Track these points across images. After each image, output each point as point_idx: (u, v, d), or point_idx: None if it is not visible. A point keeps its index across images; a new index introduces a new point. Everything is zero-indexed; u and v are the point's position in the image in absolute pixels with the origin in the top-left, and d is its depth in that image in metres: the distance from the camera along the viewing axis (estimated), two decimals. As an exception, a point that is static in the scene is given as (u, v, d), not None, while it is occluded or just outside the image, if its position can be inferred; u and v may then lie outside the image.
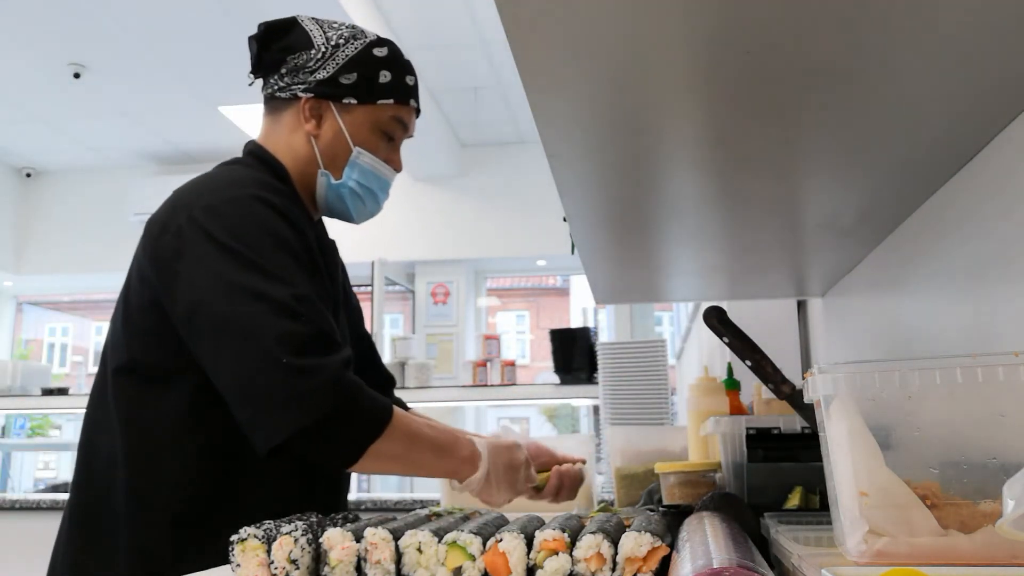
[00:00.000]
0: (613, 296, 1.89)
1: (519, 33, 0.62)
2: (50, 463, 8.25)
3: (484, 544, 0.76)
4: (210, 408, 1.09)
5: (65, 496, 1.19)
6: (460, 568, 0.75)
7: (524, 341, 11.30)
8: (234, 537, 0.80)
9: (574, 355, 3.81)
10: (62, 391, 4.31)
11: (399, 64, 1.28)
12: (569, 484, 1.35)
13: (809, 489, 1.05)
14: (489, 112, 5.66)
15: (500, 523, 0.86)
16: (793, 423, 1.09)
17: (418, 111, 1.35)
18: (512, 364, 4.61)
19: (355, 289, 1.48)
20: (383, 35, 1.32)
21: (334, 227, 1.40)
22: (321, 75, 1.23)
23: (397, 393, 1.52)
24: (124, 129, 5.89)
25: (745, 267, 1.49)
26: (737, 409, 1.51)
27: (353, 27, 1.28)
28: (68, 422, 7.70)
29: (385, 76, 1.26)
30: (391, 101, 1.27)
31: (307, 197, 1.27)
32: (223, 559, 0.84)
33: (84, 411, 1.19)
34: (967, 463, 0.58)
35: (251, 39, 1.26)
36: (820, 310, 1.80)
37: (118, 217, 6.33)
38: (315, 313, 1.05)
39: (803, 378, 0.65)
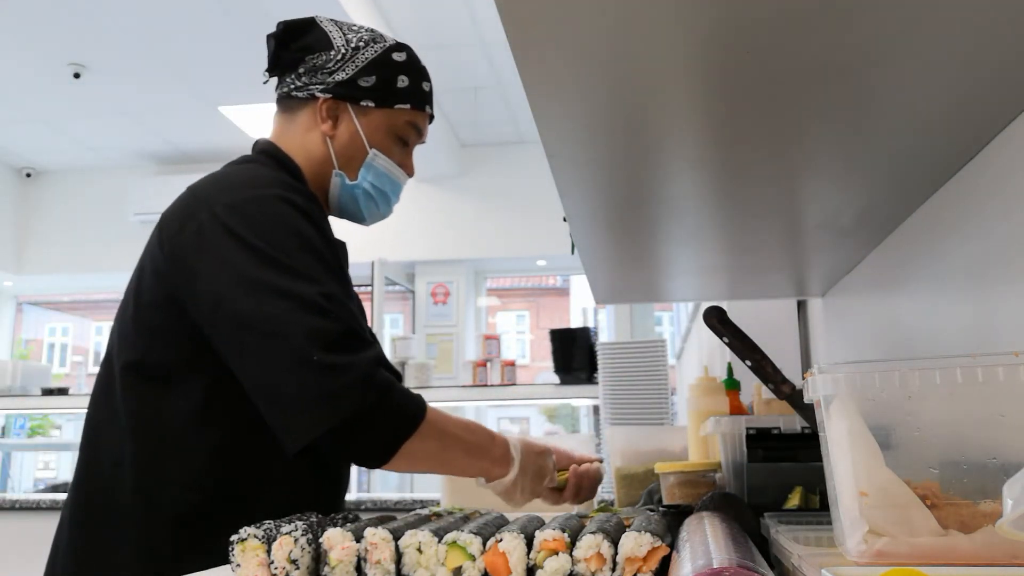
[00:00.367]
0: (613, 296, 1.90)
1: (519, 33, 0.62)
2: (50, 463, 8.25)
3: (484, 544, 0.76)
4: (221, 408, 1.09)
5: (65, 496, 1.18)
6: (460, 568, 0.75)
7: (524, 341, 11.31)
8: (234, 537, 0.80)
9: (574, 355, 3.81)
10: (62, 391, 4.31)
11: (416, 70, 1.29)
12: (588, 484, 1.34)
13: (809, 489, 1.05)
14: (489, 112, 5.66)
15: (500, 523, 0.86)
16: (793, 423, 1.09)
17: (432, 117, 1.35)
18: (512, 364, 4.61)
19: (355, 289, 1.48)
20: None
21: (334, 227, 1.40)
22: (340, 76, 1.23)
23: None
24: (124, 129, 5.89)
25: (745, 267, 1.49)
26: (737, 409, 1.51)
27: (372, 31, 1.28)
28: (68, 422, 7.70)
29: (403, 81, 1.26)
30: (408, 106, 1.27)
31: (321, 197, 1.28)
32: (227, 560, 0.84)
33: (85, 411, 1.19)
34: (967, 463, 0.58)
35: (269, 37, 1.26)
36: (820, 310, 1.80)
37: (118, 217, 6.33)
38: (344, 311, 1.04)
39: (803, 378, 0.65)
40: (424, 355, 5.95)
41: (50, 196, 6.70)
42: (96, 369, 1.22)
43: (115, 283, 6.26)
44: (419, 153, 1.36)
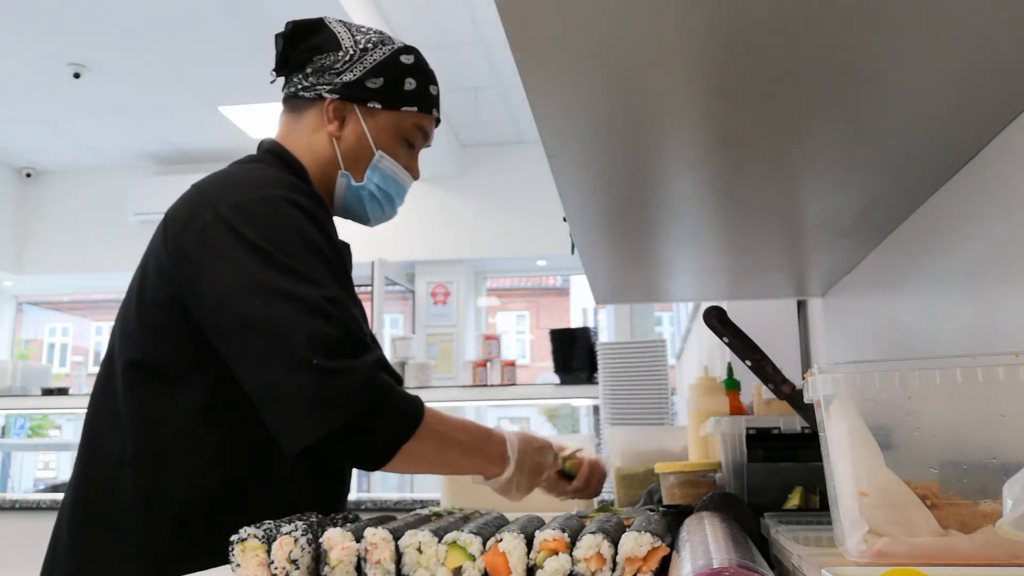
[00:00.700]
0: (613, 296, 1.90)
1: (519, 33, 0.62)
2: (50, 463, 8.24)
3: (484, 544, 0.76)
4: (224, 408, 1.09)
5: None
6: (460, 568, 0.75)
7: (524, 341, 11.30)
8: (234, 537, 0.80)
9: (574, 355, 3.81)
10: (62, 391, 4.31)
11: (424, 73, 1.29)
12: (599, 475, 1.35)
13: (809, 489, 1.05)
14: (489, 112, 5.66)
15: (500, 523, 0.86)
16: (793, 423, 1.09)
17: (439, 120, 1.35)
18: (512, 364, 4.61)
19: (356, 289, 1.48)
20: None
21: (338, 227, 1.40)
22: (347, 77, 1.23)
23: None
24: (124, 129, 5.89)
25: (745, 267, 1.49)
26: (737, 409, 1.51)
27: (381, 32, 1.29)
28: (68, 422, 7.69)
29: (410, 84, 1.26)
30: (415, 109, 1.27)
31: (324, 197, 1.27)
32: (227, 560, 0.84)
33: (85, 411, 1.19)
34: (967, 463, 0.58)
35: (278, 36, 1.26)
36: (820, 310, 1.80)
37: (118, 217, 6.33)
38: (345, 315, 1.04)
39: (803, 378, 0.65)
40: (424, 355, 5.95)
41: (50, 196, 6.70)
42: (96, 369, 1.21)
43: (115, 283, 6.27)
44: (420, 153, 1.36)
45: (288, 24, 1.25)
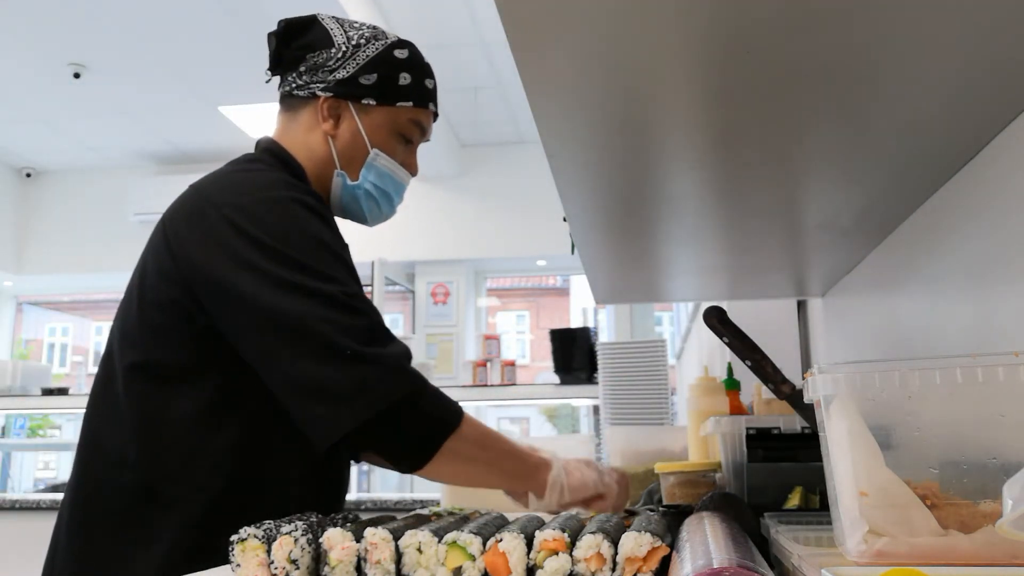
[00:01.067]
0: (613, 296, 1.90)
1: (519, 33, 0.62)
2: (50, 463, 8.25)
3: (484, 544, 0.75)
4: (228, 409, 1.08)
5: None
6: (460, 568, 0.75)
7: (524, 341, 11.30)
8: (234, 537, 0.80)
9: (574, 355, 3.82)
10: (62, 391, 4.31)
11: (419, 67, 1.28)
12: (624, 489, 1.29)
13: (809, 489, 1.05)
14: (489, 112, 5.66)
15: (500, 523, 0.86)
16: (793, 423, 1.09)
17: (436, 115, 1.34)
18: (512, 364, 4.61)
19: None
20: (385, 35, 1.31)
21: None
22: (341, 74, 1.22)
23: None
24: (124, 129, 5.89)
25: (745, 267, 1.49)
26: (737, 409, 1.51)
27: (374, 28, 1.27)
28: (68, 422, 7.69)
29: (405, 78, 1.25)
30: (410, 104, 1.26)
31: (322, 197, 1.27)
32: (227, 560, 0.84)
33: (85, 410, 1.18)
34: (967, 463, 0.58)
35: (270, 36, 1.26)
36: (820, 310, 1.80)
37: (118, 217, 6.33)
38: (368, 307, 1.05)
39: (803, 378, 0.65)
40: (424, 355, 5.96)
41: (50, 196, 6.70)
42: (96, 369, 1.21)
43: (115, 283, 6.26)
44: (419, 153, 1.35)
45: (280, 22, 1.24)
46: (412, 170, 1.32)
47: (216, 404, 1.08)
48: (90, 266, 6.54)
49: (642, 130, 0.82)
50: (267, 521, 0.83)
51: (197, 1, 4.15)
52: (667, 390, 2.59)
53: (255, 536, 0.79)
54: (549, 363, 3.93)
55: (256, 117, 5.44)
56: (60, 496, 3.36)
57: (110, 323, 1.21)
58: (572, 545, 0.74)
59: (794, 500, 1.05)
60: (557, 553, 0.73)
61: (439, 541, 0.77)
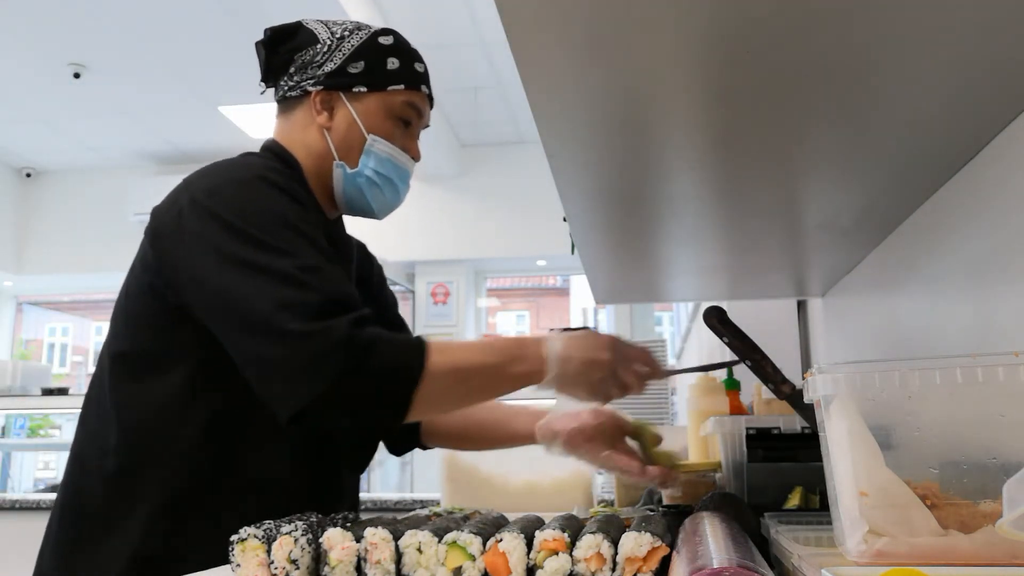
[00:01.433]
0: (613, 296, 1.90)
1: (519, 33, 0.62)
2: (50, 463, 8.24)
3: (484, 544, 0.76)
4: (205, 392, 1.09)
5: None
6: (460, 568, 0.75)
7: (524, 341, 11.27)
8: (234, 537, 0.80)
9: (574, 355, 3.80)
10: (62, 391, 4.31)
11: (406, 52, 1.29)
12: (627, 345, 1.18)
13: (809, 489, 1.05)
14: (489, 112, 5.66)
15: (500, 523, 0.86)
16: (793, 423, 1.09)
17: (431, 99, 1.34)
18: (512, 364, 4.59)
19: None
20: (383, 34, 1.32)
21: (349, 229, 1.40)
22: (329, 67, 1.23)
23: None
24: (124, 129, 5.89)
25: (745, 267, 1.49)
26: (737, 409, 1.51)
27: (356, 22, 1.29)
28: (68, 422, 7.68)
29: (393, 63, 1.26)
30: (401, 87, 1.27)
31: (326, 194, 1.27)
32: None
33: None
34: (967, 463, 0.58)
35: (258, 45, 1.27)
36: (820, 310, 1.80)
37: (118, 217, 6.33)
38: (322, 280, 1.04)
39: (803, 378, 0.65)
40: (424, 355, 5.93)
41: (50, 196, 6.70)
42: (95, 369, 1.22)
43: (115, 283, 6.21)
44: (420, 154, 1.35)
45: (266, 31, 1.26)
46: (414, 155, 1.31)
47: (194, 387, 1.10)
48: (90, 266, 6.54)
49: (642, 130, 0.82)
50: (267, 521, 0.83)
51: (197, 1, 4.15)
52: (667, 390, 2.59)
53: (255, 536, 0.79)
54: (549, 363, 3.92)
55: (256, 117, 5.44)
56: (60, 496, 3.36)
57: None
58: (572, 545, 0.74)
59: (794, 500, 1.05)
60: (557, 553, 0.73)
61: (439, 541, 0.77)
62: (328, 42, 1.24)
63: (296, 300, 1.00)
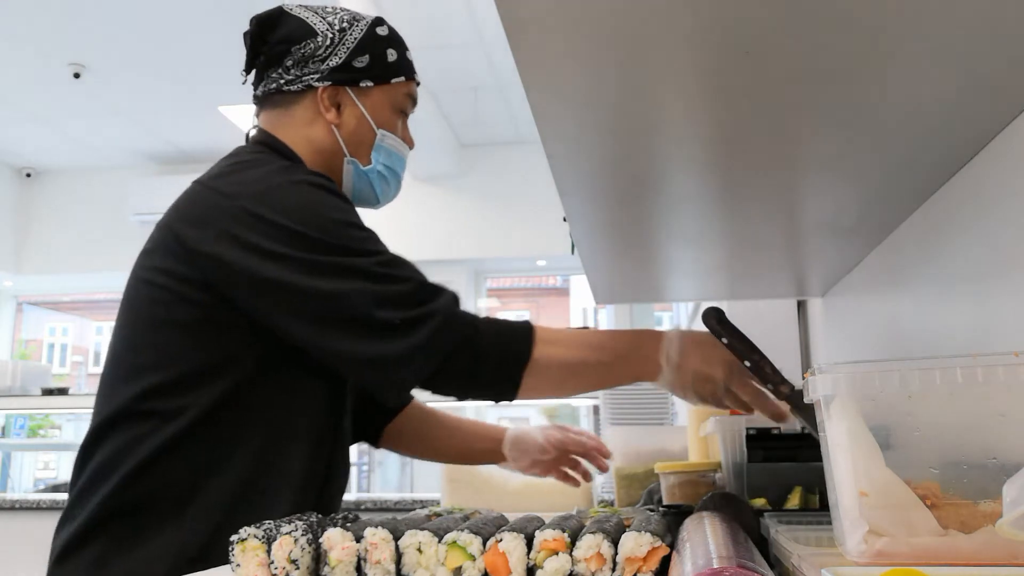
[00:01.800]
0: (613, 296, 1.89)
1: (519, 33, 0.62)
2: (50, 463, 8.24)
3: (484, 544, 0.76)
4: (250, 398, 1.08)
5: (65, 496, 1.17)
6: (460, 568, 0.75)
7: (524, 341, 11.26)
8: (234, 537, 0.80)
9: (574, 355, 3.80)
10: (62, 391, 4.30)
11: (398, 41, 1.29)
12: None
13: (809, 489, 1.06)
14: (489, 112, 5.66)
15: (500, 523, 0.86)
16: (793, 423, 1.09)
17: (418, 83, 1.36)
18: (512, 364, 4.59)
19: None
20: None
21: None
22: (333, 62, 1.22)
23: None
24: (124, 129, 5.89)
25: (745, 267, 1.49)
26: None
27: (346, 9, 1.27)
28: (68, 422, 7.69)
29: (392, 55, 1.26)
30: (402, 78, 1.27)
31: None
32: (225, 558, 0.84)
33: (85, 410, 1.18)
34: (967, 463, 0.58)
35: (245, 35, 1.25)
36: (820, 310, 1.80)
37: (118, 217, 6.33)
38: (406, 270, 1.06)
39: (803, 378, 0.65)
40: (424, 355, 5.93)
41: (50, 196, 6.70)
42: (96, 369, 1.20)
43: (115, 283, 6.26)
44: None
45: (252, 20, 1.23)
46: (410, 143, 1.33)
47: (228, 402, 1.08)
48: (90, 266, 6.53)
49: (642, 130, 0.82)
50: (267, 521, 0.83)
51: (197, 1, 4.15)
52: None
53: (255, 536, 0.79)
54: (549, 363, 3.92)
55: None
56: (60, 496, 3.36)
57: (110, 323, 1.19)
58: (572, 545, 0.74)
59: (794, 500, 1.05)
60: (557, 553, 0.73)
61: (439, 541, 0.77)
62: (328, 35, 1.22)
63: (391, 294, 1.03)
